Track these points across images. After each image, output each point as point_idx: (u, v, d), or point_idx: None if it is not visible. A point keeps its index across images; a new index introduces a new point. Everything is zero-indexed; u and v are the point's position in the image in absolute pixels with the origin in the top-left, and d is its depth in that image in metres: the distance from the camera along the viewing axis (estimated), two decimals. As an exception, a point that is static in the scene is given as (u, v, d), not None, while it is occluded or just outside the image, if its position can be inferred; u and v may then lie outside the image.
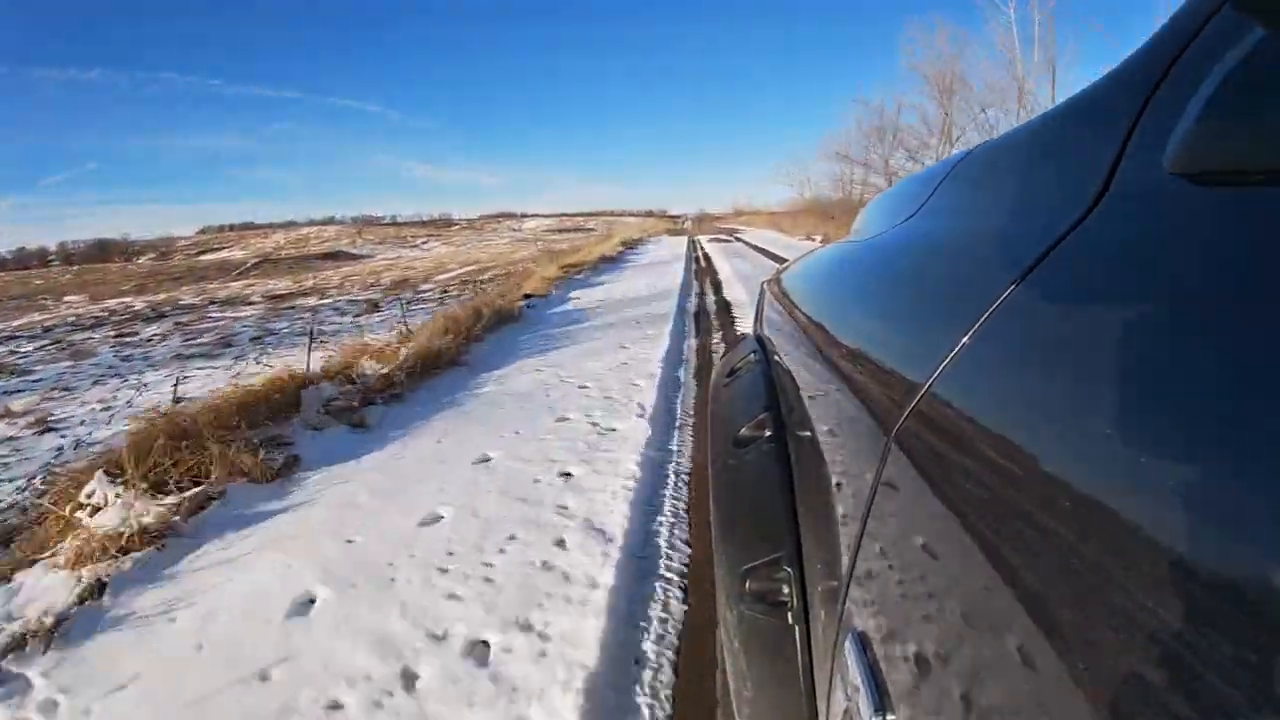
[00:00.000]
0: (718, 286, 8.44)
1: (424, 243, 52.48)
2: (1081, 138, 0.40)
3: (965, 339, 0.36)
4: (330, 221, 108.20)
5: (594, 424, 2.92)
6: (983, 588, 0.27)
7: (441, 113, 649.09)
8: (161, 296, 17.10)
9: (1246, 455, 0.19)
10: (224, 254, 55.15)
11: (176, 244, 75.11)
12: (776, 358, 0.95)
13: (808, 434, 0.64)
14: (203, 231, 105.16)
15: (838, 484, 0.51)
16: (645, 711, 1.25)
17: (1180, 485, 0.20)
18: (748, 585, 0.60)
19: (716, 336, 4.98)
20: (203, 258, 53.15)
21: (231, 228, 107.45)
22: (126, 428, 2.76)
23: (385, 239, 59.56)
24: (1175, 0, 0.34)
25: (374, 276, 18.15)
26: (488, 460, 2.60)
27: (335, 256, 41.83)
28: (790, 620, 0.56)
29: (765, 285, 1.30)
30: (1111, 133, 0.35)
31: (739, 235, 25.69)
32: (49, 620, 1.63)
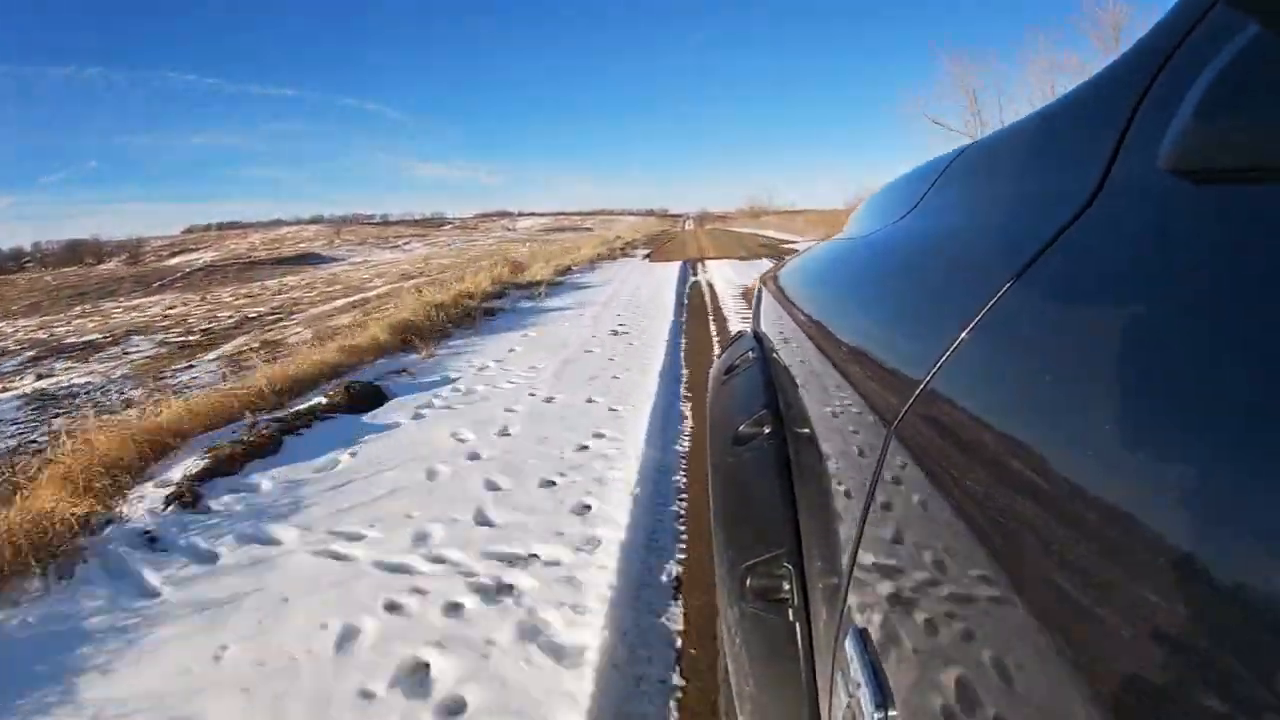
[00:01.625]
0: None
1: (406, 243, 51.26)
2: (1076, 135, 0.40)
3: (963, 335, 0.36)
4: (317, 220, 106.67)
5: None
6: (984, 583, 0.27)
7: (442, 111, 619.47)
8: (22, 323, 16.02)
9: (1241, 451, 0.19)
10: (192, 255, 53.34)
11: (147, 246, 70.90)
12: (774, 355, 0.95)
13: (806, 431, 0.64)
14: (188, 231, 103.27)
15: (837, 480, 0.51)
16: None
17: (1175, 480, 0.20)
18: (748, 583, 0.60)
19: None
20: (171, 260, 51.50)
21: (219, 227, 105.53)
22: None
23: (366, 239, 57.74)
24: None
25: (263, 299, 15.87)
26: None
27: (300, 260, 39.84)
28: (791, 617, 0.56)
29: (762, 282, 1.30)
30: (1106, 130, 0.35)
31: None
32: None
